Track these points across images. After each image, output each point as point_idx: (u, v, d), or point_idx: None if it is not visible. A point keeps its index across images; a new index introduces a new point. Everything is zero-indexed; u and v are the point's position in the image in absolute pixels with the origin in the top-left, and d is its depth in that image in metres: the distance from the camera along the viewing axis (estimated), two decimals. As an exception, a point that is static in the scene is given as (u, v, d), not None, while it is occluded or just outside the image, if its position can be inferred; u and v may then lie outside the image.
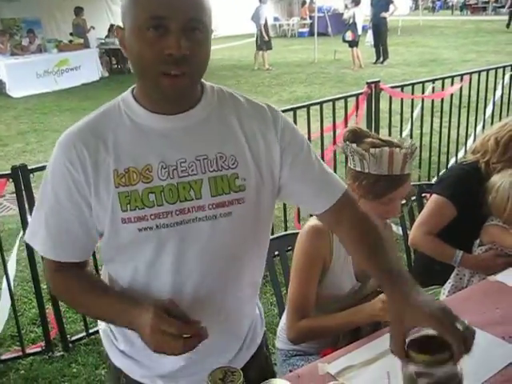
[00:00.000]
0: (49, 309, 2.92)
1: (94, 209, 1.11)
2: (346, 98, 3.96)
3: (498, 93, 5.07)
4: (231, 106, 1.19)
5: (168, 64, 1.01)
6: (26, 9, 12.41)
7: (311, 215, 1.82)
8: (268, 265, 1.95)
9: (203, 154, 1.13)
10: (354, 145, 1.69)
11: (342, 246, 1.71)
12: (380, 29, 12.83)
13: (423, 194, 2.57)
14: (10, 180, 2.61)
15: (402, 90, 4.35)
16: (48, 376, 2.68)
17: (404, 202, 1.92)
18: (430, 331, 0.99)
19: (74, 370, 2.71)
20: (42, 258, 1.24)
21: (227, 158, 1.14)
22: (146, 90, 1.11)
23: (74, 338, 2.94)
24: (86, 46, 12.67)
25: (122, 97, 1.17)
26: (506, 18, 19.95)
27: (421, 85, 4.39)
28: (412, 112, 4.43)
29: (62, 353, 2.86)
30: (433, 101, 4.48)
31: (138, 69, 1.06)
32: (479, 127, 5.01)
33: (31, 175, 2.61)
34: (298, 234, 1.79)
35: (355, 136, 1.74)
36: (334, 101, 3.80)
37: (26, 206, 2.65)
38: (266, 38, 12.95)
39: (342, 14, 16.42)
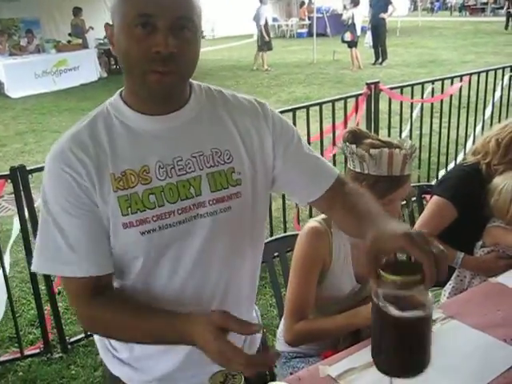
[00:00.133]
0: (47, 310, 2.90)
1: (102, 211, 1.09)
2: (345, 98, 3.95)
3: (498, 94, 5.07)
4: (221, 103, 1.20)
5: (155, 61, 1.01)
6: (25, 9, 12.40)
7: (310, 216, 1.81)
8: (268, 266, 1.95)
9: (199, 151, 1.13)
10: (354, 146, 1.68)
11: (341, 248, 1.71)
12: (379, 30, 12.84)
13: (423, 196, 2.56)
14: (9, 181, 2.59)
15: (402, 91, 4.34)
16: (46, 378, 2.67)
17: (404, 202, 1.91)
18: (404, 257, 0.96)
19: (73, 372, 2.71)
20: (64, 287, 1.16)
21: (222, 153, 1.15)
22: (133, 88, 1.10)
23: (72, 340, 2.93)
24: (85, 46, 12.65)
25: (109, 101, 1.16)
26: (505, 19, 19.98)
27: (420, 85, 4.38)
28: (411, 113, 4.43)
29: (60, 354, 2.85)
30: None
31: (125, 66, 1.06)
32: (478, 128, 5.01)
33: (30, 176, 2.60)
34: (297, 235, 1.79)
35: (355, 137, 1.73)
36: (333, 102, 3.80)
37: (25, 206, 2.64)
38: (267, 39, 12.95)
39: (341, 14, 16.44)
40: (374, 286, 0.89)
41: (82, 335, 2.94)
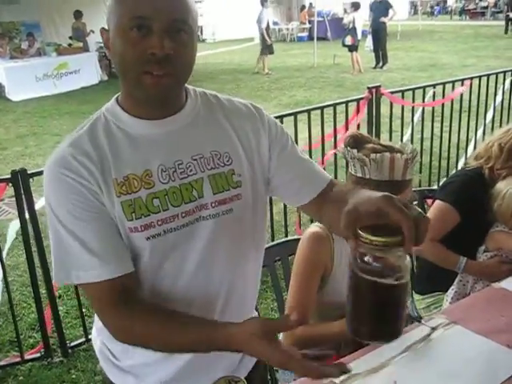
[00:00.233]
0: (48, 313, 2.90)
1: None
2: (346, 102, 3.95)
3: (499, 98, 5.07)
4: (217, 107, 1.20)
5: (151, 63, 1.00)
6: (26, 12, 12.40)
7: (312, 221, 1.80)
8: (269, 270, 1.94)
9: (198, 154, 1.13)
10: (355, 150, 1.68)
11: (343, 253, 1.70)
12: (379, 34, 12.85)
13: (424, 200, 2.55)
14: (10, 184, 2.59)
15: (403, 95, 4.35)
16: (47, 382, 2.66)
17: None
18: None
19: (74, 376, 2.70)
20: (89, 296, 1.11)
21: (222, 155, 1.15)
22: (130, 91, 1.09)
23: (73, 344, 2.92)
24: (86, 49, 12.68)
25: (105, 107, 1.15)
26: (505, 23, 20.03)
27: (421, 89, 4.38)
28: (413, 117, 4.43)
29: (61, 358, 2.84)
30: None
31: (120, 69, 1.05)
32: (480, 132, 5.01)
33: (31, 179, 2.60)
34: (299, 239, 1.78)
35: (356, 141, 1.73)
36: (334, 105, 3.80)
37: (26, 210, 2.64)
38: (269, 42, 12.97)
39: (342, 18, 16.48)
40: (352, 248, 0.87)
41: (83, 339, 2.94)
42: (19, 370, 2.77)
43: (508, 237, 2.02)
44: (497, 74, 4.88)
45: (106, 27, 1.09)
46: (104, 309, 1.09)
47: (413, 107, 4.41)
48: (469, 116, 4.74)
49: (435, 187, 3.55)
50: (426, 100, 4.47)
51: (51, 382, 2.66)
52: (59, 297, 2.98)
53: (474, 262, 2.07)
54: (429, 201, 2.56)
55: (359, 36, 12.56)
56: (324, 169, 3.82)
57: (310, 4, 21.23)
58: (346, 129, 3.96)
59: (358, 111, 4.01)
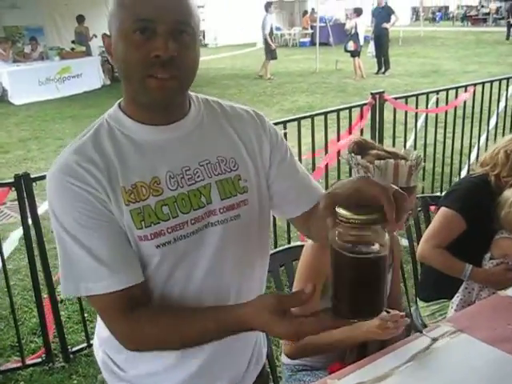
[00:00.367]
0: (49, 318, 2.88)
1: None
2: (350, 108, 3.95)
3: (502, 104, 5.07)
4: (220, 113, 1.19)
5: (155, 66, 0.99)
6: (29, 16, 12.45)
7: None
8: (273, 275, 1.93)
9: (205, 159, 1.12)
10: (359, 157, 1.67)
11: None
12: (382, 39, 12.89)
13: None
14: (13, 188, 2.59)
15: (406, 101, 4.34)
16: (48, 387, 2.65)
17: (410, 213, 1.90)
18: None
19: (75, 382, 2.68)
20: (96, 307, 1.08)
21: (228, 160, 1.14)
22: (133, 96, 1.07)
23: (74, 349, 2.90)
24: (88, 53, 12.71)
25: (108, 114, 1.14)
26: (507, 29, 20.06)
27: (425, 95, 4.38)
28: (416, 123, 4.42)
29: (62, 364, 2.82)
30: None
31: (124, 73, 1.04)
32: (483, 138, 5.00)
33: (34, 184, 2.59)
34: (303, 246, 1.77)
35: (360, 148, 1.72)
36: (338, 111, 3.79)
37: (28, 214, 2.63)
38: (273, 47, 12.99)
39: (344, 24, 16.51)
40: (330, 226, 0.87)
41: (85, 344, 2.92)
42: (20, 375, 2.75)
43: None
44: (500, 80, 4.88)
45: (103, 34, 1.08)
46: (112, 318, 1.07)
47: (416, 113, 4.40)
48: (472, 122, 4.73)
49: (438, 194, 3.54)
50: (429, 106, 4.46)
51: (52, 387, 2.65)
52: (61, 301, 2.97)
53: (479, 270, 2.06)
54: (432, 208, 2.55)
55: (361, 42, 12.58)
56: (327, 175, 3.86)
57: (313, 9, 21.28)
58: (350, 134, 3.96)
59: (361, 117, 4.00)
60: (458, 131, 4.63)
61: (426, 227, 2.29)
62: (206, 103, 1.20)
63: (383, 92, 4.09)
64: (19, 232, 2.77)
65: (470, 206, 2.09)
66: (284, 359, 1.85)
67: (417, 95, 4.35)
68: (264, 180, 1.21)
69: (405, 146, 4.39)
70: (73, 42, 13.08)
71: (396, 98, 4.29)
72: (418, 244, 2.26)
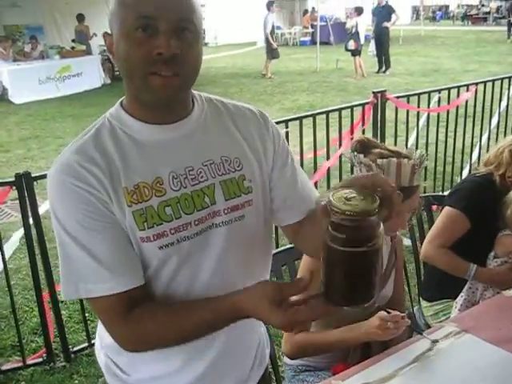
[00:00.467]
0: (49, 317, 2.87)
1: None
2: (352, 107, 3.94)
3: (504, 103, 5.05)
4: (224, 111, 1.18)
5: (157, 64, 0.98)
6: (29, 15, 12.45)
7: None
8: (276, 275, 1.92)
9: (209, 159, 1.10)
10: (362, 155, 1.66)
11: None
12: (382, 38, 12.88)
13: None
14: (14, 187, 2.58)
15: (408, 100, 4.33)
16: (49, 387, 2.64)
17: (413, 212, 1.88)
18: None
19: (76, 382, 2.67)
20: (95, 309, 1.07)
21: (232, 160, 1.12)
22: (136, 94, 1.06)
23: (76, 349, 2.89)
24: (89, 52, 12.70)
25: (109, 113, 1.12)
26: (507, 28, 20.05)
27: (427, 94, 4.36)
28: (418, 122, 4.41)
29: (63, 363, 2.81)
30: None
31: (126, 72, 1.02)
32: (484, 138, 4.99)
33: (35, 183, 2.58)
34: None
35: (363, 146, 1.71)
36: (340, 110, 3.78)
37: (29, 213, 2.62)
38: (274, 46, 12.96)
39: (344, 23, 16.51)
40: (324, 217, 0.86)
41: (86, 344, 2.91)
42: (21, 374, 2.74)
43: None
44: (502, 79, 4.86)
45: (104, 32, 1.06)
46: (112, 320, 1.06)
47: (418, 112, 4.39)
48: (474, 121, 4.72)
49: (441, 194, 3.53)
50: (431, 105, 4.45)
51: (53, 387, 2.64)
52: (62, 301, 2.95)
53: (484, 269, 2.05)
54: (434, 207, 2.54)
55: (362, 41, 12.57)
56: (328, 173, 3.85)
57: (313, 8, 21.29)
58: (351, 133, 3.95)
59: (363, 116, 3.99)
60: (460, 130, 4.61)
61: (429, 227, 2.28)
62: (209, 102, 1.18)
63: (385, 91, 4.08)
64: (20, 231, 2.76)
65: (475, 206, 2.08)
66: (287, 360, 1.84)
67: (419, 94, 4.34)
68: (267, 180, 1.19)
69: (406, 145, 4.38)
70: (73, 40, 13.07)
71: (398, 97, 4.28)
72: (420, 244, 2.25)
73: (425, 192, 3.83)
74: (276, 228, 3.59)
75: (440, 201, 2.34)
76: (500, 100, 4.97)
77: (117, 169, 1.04)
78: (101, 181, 1.02)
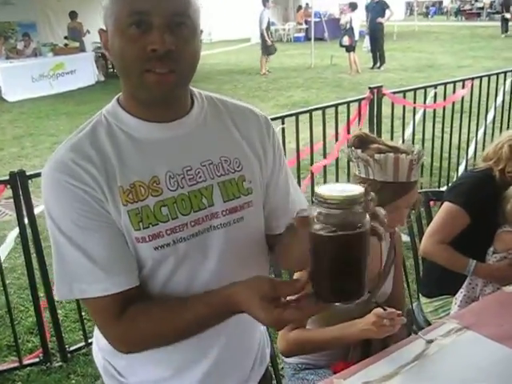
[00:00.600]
0: (44, 317, 2.85)
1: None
2: (348, 103, 3.93)
3: (500, 98, 5.05)
4: (223, 110, 1.15)
5: (152, 61, 0.95)
6: (21, 12, 12.33)
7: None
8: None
9: (207, 160, 1.08)
10: (359, 151, 1.65)
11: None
12: (377, 34, 12.88)
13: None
14: (8, 186, 2.55)
15: (404, 96, 4.31)
16: (46, 388, 2.62)
17: (412, 208, 1.87)
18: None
19: (73, 382, 2.65)
20: (90, 309, 1.06)
21: (231, 161, 1.10)
22: (131, 92, 1.04)
23: (72, 348, 2.87)
24: (82, 49, 12.63)
25: (105, 109, 1.09)
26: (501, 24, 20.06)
27: (423, 90, 4.35)
28: (414, 117, 4.40)
29: (60, 363, 2.79)
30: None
31: (121, 69, 1.00)
32: (480, 133, 4.99)
33: (29, 181, 2.55)
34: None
35: (361, 142, 1.69)
36: (336, 106, 3.77)
37: (24, 211, 2.59)
38: (269, 43, 12.92)
39: (338, 18, 16.49)
40: (302, 228, 0.86)
41: (83, 343, 2.89)
42: (17, 375, 2.72)
43: None
44: (497, 74, 4.86)
45: (99, 29, 1.04)
46: (106, 321, 1.05)
47: (414, 108, 4.38)
48: (470, 117, 4.72)
49: (440, 189, 3.52)
50: (427, 100, 4.44)
51: (50, 387, 2.62)
52: (58, 300, 2.93)
53: (483, 265, 2.04)
54: (431, 203, 2.53)
55: (357, 36, 12.56)
56: (325, 170, 3.84)
57: (307, 4, 21.21)
58: (348, 129, 3.94)
59: (359, 111, 3.98)
60: (456, 125, 4.61)
61: (428, 223, 2.27)
62: (209, 100, 1.15)
63: (381, 86, 4.06)
64: (15, 230, 2.73)
65: (474, 201, 2.06)
66: (286, 358, 1.82)
67: (415, 89, 4.32)
68: (265, 184, 1.17)
69: (403, 141, 4.37)
70: (65, 37, 12.98)
71: (394, 93, 4.26)
72: (419, 239, 2.24)
73: (421, 188, 3.82)
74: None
75: (439, 196, 2.33)
76: (496, 95, 4.96)
77: (112, 167, 1.01)
78: (96, 179, 1.00)
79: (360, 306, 1.67)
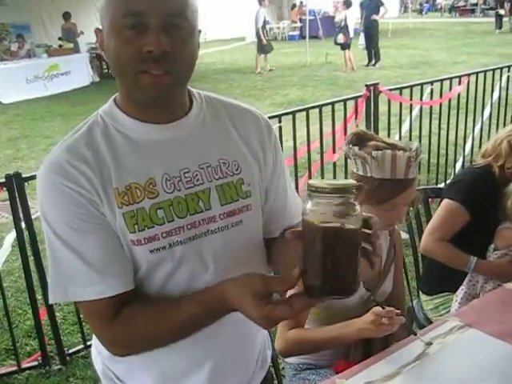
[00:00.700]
0: (43, 320, 2.83)
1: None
2: (345, 100, 3.92)
3: (496, 94, 5.05)
4: (222, 111, 1.13)
5: (147, 62, 0.94)
6: (15, 14, 12.29)
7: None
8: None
9: (205, 162, 1.06)
10: (357, 148, 1.64)
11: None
12: (371, 31, 12.88)
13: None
14: (4, 188, 2.53)
15: (401, 93, 4.31)
16: (45, 391, 2.60)
17: (411, 206, 1.87)
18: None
19: (72, 385, 2.64)
20: (85, 312, 1.06)
21: (230, 163, 1.08)
22: (127, 93, 1.02)
23: (71, 351, 2.85)
24: (76, 50, 12.60)
25: (102, 110, 1.07)
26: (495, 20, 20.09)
27: (419, 87, 4.35)
28: (411, 114, 4.40)
29: (59, 366, 2.77)
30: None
31: (117, 70, 0.99)
32: (477, 129, 4.99)
33: (26, 183, 2.54)
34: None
35: (359, 139, 1.69)
36: (333, 104, 3.76)
37: (21, 214, 2.57)
38: (264, 42, 12.90)
39: (333, 16, 16.47)
40: (296, 240, 0.87)
41: (81, 346, 2.87)
42: (16, 379, 2.70)
43: None
44: (493, 70, 4.86)
45: (96, 28, 1.02)
46: (100, 324, 1.04)
47: (410, 105, 4.38)
48: (466, 113, 4.72)
49: (439, 186, 3.52)
50: (423, 97, 4.44)
51: (49, 390, 2.60)
52: (51, 303, 2.91)
53: (484, 262, 2.03)
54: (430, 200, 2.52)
55: (351, 34, 12.55)
56: (322, 168, 3.83)
57: (301, 2, 21.23)
58: (345, 127, 3.93)
59: (356, 109, 3.97)
60: (453, 122, 4.60)
61: (427, 220, 2.26)
62: (208, 101, 1.13)
63: (378, 83, 4.06)
64: (12, 233, 2.71)
65: (474, 198, 2.06)
66: (288, 358, 1.81)
67: (411, 86, 4.32)
68: (264, 187, 1.15)
69: (400, 138, 4.36)
70: (59, 38, 12.93)
71: (391, 90, 4.26)
72: (418, 237, 2.23)
73: (419, 185, 3.82)
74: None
75: (437, 193, 2.32)
76: (492, 91, 4.96)
77: (108, 168, 1.00)
78: (91, 180, 0.98)
79: (359, 305, 1.68)
